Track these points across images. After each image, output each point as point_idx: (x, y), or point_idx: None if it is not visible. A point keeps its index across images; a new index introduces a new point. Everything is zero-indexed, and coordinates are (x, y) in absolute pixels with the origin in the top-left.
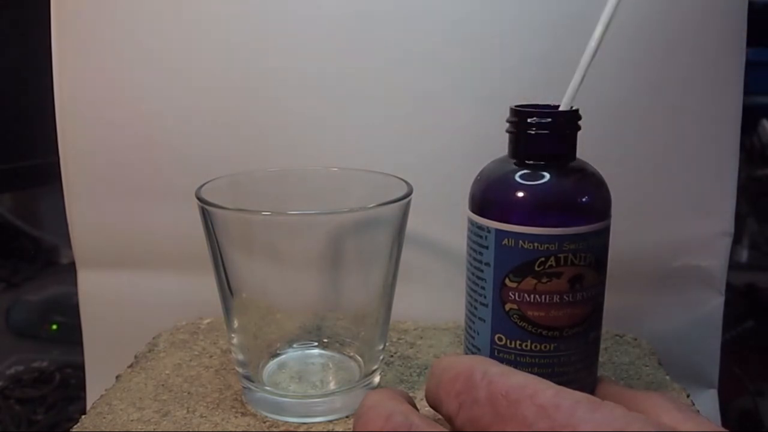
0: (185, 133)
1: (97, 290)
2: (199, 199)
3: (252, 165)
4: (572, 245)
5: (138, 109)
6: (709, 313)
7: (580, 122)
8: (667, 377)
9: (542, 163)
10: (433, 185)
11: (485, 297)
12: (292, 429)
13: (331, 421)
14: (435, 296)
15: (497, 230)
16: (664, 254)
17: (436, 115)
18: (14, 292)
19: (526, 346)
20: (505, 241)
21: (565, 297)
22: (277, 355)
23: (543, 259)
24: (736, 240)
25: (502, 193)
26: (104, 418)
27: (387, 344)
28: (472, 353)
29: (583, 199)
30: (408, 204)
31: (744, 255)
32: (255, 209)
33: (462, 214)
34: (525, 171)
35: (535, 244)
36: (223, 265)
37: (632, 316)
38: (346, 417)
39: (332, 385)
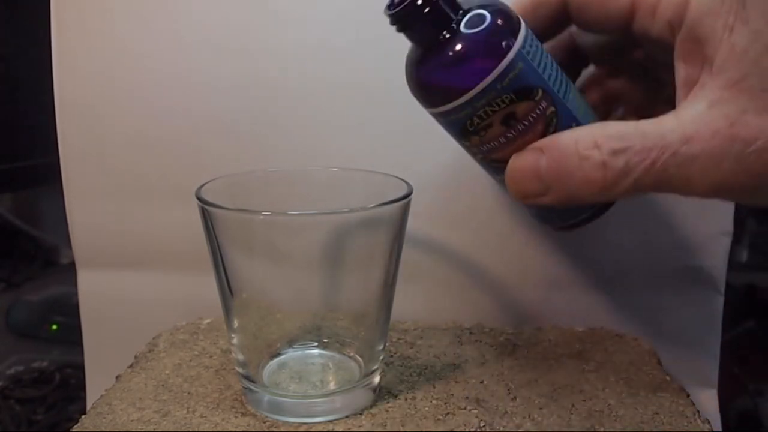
0: (185, 133)
1: (97, 290)
2: (199, 199)
3: (252, 165)
4: (482, 101)
5: (138, 109)
6: (709, 313)
7: None
8: (667, 377)
9: (422, 45)
10: (433, 185)
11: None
12: (292, 429)
13: (331, 421)
14: (435, 296)
15: (434, 115)
16: (664, 254)
17: None
18: (14, 292)
19: None
20: (443, 120)
21: (509, 135)
22: (277, 355)
23: (468, 121)
24: (736, 240)
25: (412, 86)
26: (104, 418)
27: (387, 344)
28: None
29: (465, 56)
30: (408, 204)
31: (744, 255)
32: (255, 209)
33: (462, 214)
34: (417, 58)
35: (454, 116)
36: (223, 265)
37: (632, 316)
38: (346, 417)
39: (332, 385)
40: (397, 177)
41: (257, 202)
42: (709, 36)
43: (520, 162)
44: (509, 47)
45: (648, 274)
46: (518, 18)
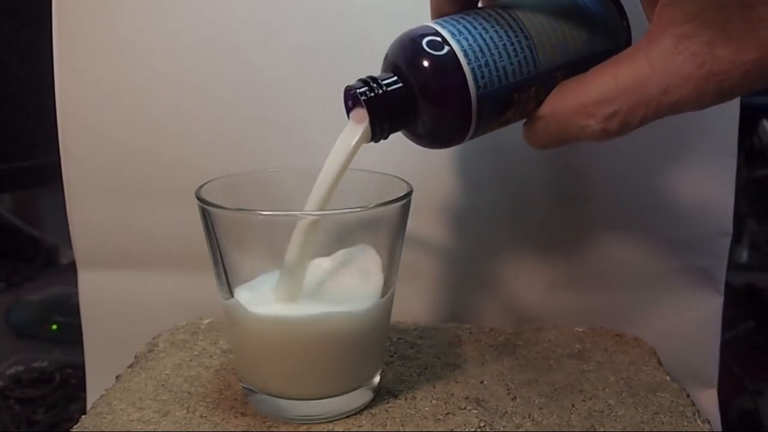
0: (185, 134)
1: (97, 290)
2: (199, 199)
3: (252, 165)
4: (479, 133)
5: (138, 109)
6: (709, 313)
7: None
8: (667, 377)
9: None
10: (433, 185)
11: None
12: (292, 429)
13: (331, 421)
14: (435, 296)
15: None
16: (663, 254)
17: None
18: (14, 292)
19: None
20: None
21: (512, 123)
22: None
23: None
24: (736, 240)
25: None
26: (104, 418)
27: (387, 344)
28: None
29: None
30: (408, 204)
31: (744, 255)
32: (255, 209)
33: (462, 214)
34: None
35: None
36: (223, 265)
37: (632, 316)
38: (346, 417)
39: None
40: (397, 177)
41: (257, 202)
42: None
43: (532, 129)
44: (468, 105)
45: (648, 274)
46: (459, 66)
